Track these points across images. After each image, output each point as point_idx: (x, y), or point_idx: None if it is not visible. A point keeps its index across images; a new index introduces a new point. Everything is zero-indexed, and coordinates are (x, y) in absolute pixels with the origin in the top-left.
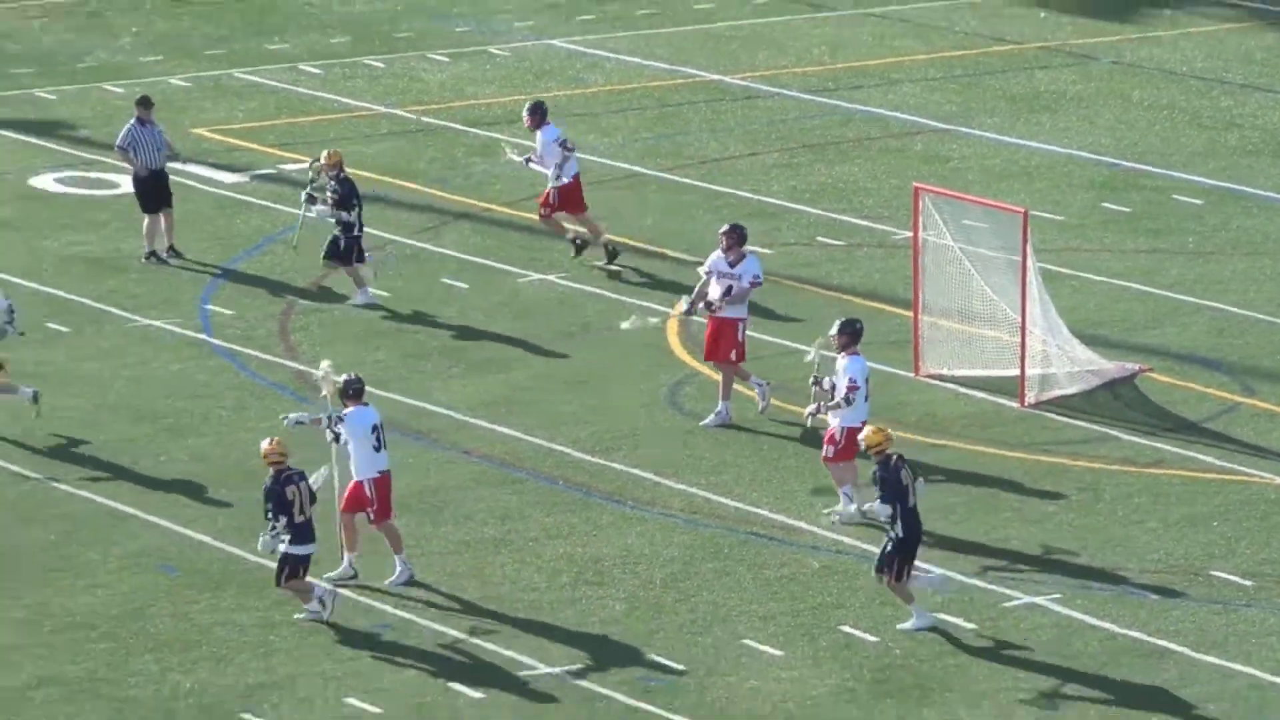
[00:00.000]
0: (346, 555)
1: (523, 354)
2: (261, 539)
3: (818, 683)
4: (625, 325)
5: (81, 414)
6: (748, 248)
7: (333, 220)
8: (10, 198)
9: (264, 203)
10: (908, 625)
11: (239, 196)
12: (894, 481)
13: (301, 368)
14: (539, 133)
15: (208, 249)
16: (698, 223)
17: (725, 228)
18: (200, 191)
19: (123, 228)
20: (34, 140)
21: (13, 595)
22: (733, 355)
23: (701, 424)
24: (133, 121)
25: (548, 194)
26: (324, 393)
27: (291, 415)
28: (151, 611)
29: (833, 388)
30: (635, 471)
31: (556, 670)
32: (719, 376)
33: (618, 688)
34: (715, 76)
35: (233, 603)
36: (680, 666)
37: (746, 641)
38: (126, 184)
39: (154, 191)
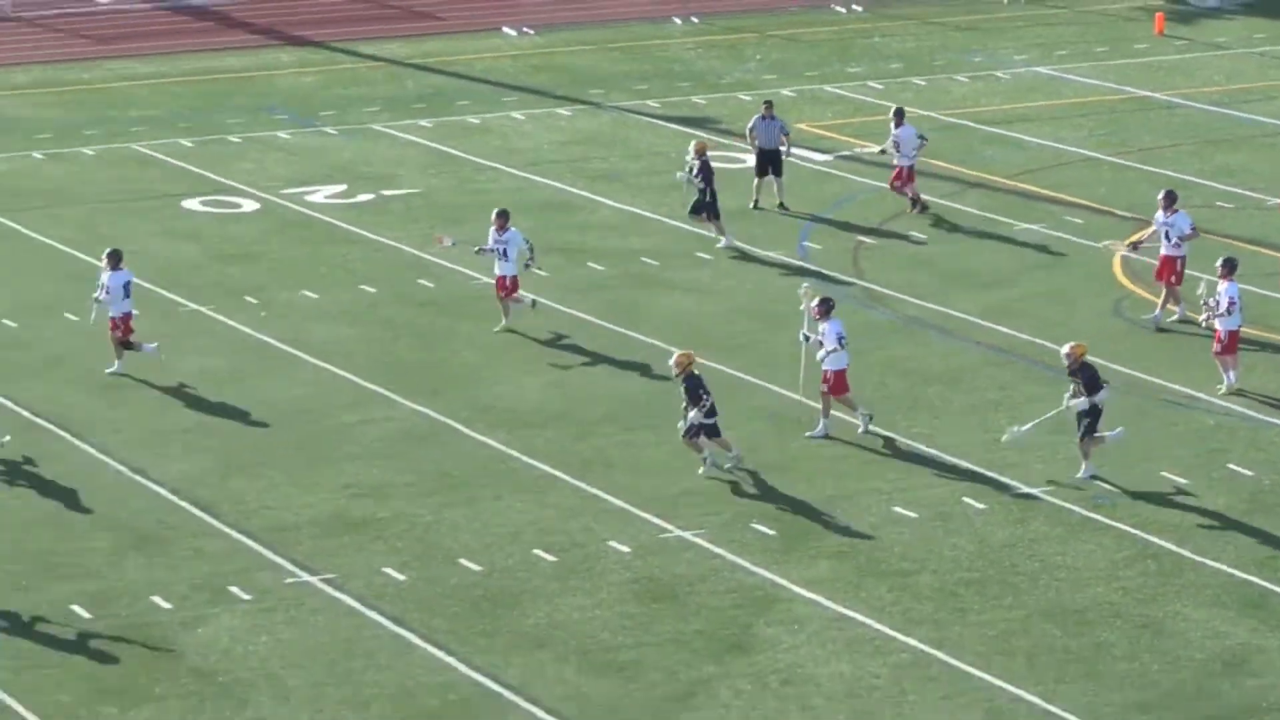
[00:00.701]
0: (822, 421)
1: (1012, 277)
2: (690, 410)
3: (1211, 503)
4: (1104, 245)
5: (717, 315)
6: (1178, 205)
7: (696, 187)
8: (678, 168)
9: (842, 174)
10: (1081, 474)
11: (826, 170)
12: (1096, 376)
13: (869, 285)
14: (898, 129)
15: (805, 204)
16: (1134, 191)
17: (1163, 193)
18: (801, 167)
19: (746, 190)
20: (689, 130)
21: (630, 429)
22: (1173, 279)
23: (1141, 319)
24: (758, 116)
25: (899, 171)
26: (803, 305)
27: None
28: (761, 443)
29: (1218, 303)
30: (1091, 358)
31: (1035, 490)
32: (1158, 297)
33: (1077, 502)
34: (1147, 93)
35: (806, 438)
36: (1115, 489)
37: (1163, 474)
38: (749, 159)
39: (765, 162)
